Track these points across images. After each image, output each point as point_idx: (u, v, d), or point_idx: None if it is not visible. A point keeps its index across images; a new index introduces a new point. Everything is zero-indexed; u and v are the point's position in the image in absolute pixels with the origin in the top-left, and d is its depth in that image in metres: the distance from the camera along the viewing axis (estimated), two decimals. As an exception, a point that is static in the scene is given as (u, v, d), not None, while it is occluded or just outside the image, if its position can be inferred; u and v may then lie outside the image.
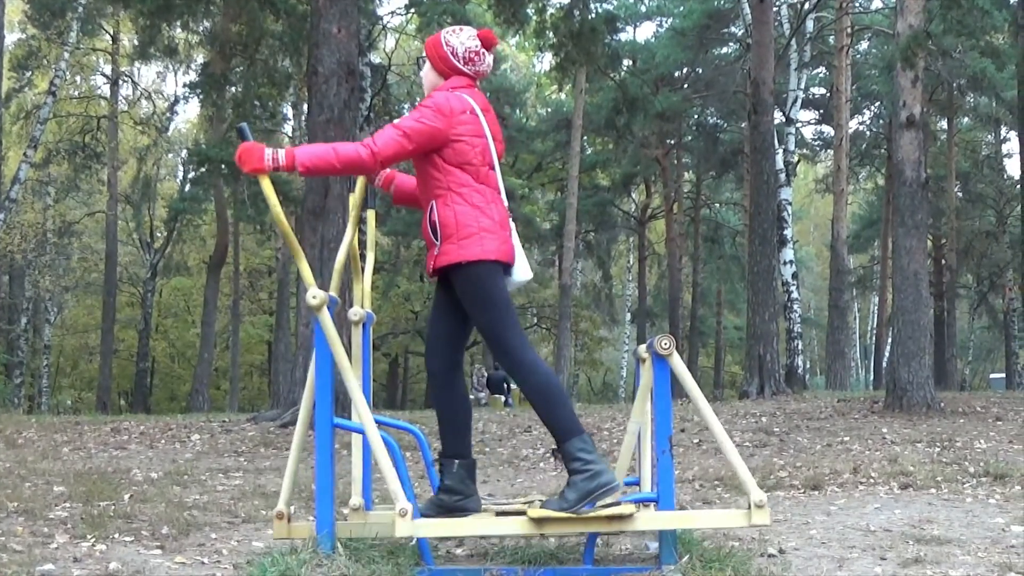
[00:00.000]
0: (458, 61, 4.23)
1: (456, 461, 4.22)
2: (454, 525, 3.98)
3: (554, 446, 4.22)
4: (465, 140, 4.11)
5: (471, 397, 24.15)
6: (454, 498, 4.18)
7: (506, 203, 4.26)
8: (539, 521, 3.82)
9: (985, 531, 5.15)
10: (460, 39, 4.24)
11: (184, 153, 36.74)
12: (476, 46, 4.25)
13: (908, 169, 13.00)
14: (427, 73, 4.30)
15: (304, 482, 6.96)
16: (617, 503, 3.86)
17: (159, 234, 37.14)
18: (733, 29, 30.85)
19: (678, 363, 3.92)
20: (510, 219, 4.26)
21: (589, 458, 3.89)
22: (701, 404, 3.95)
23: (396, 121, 4.05)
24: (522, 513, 4.06)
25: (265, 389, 39.04)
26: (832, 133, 28.61)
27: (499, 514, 4.05)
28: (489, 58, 4.32)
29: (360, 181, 4.46)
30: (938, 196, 31.00)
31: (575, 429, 3.97)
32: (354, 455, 4.44)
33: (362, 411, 3.85)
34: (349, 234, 4.42)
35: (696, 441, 10.17)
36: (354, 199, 4.49)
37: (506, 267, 4.16)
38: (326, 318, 3.91)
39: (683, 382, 3.92)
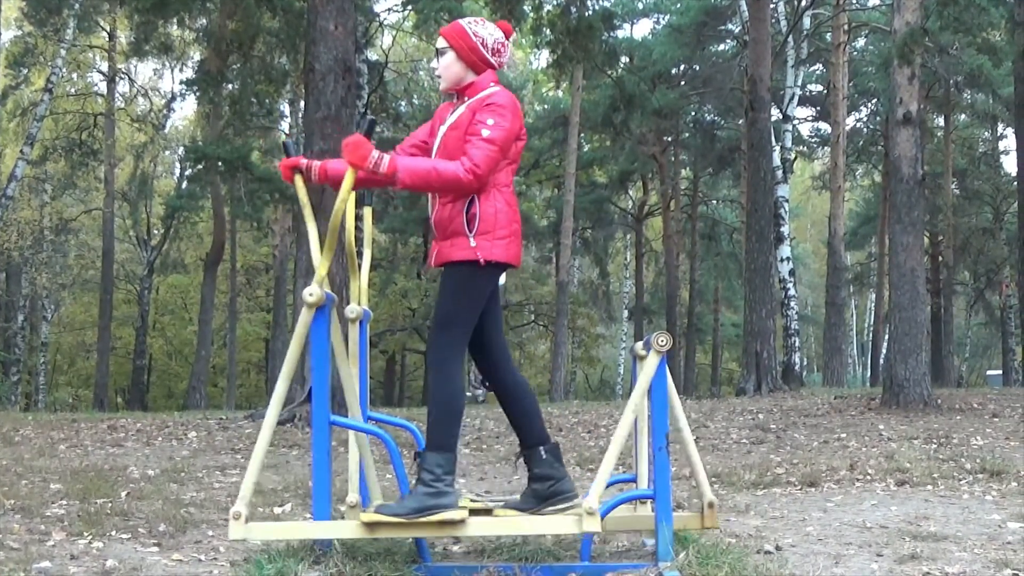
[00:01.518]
0: (487, 52, 4.15)
1: (541, 448, 4.19)
2: (285, 529, 3.98)
3: (518, 449, 4.22)
4: (523, 139, 4.13)
5: (468, 394, 24.22)
6: (547, 484, 4.14)
7: None
8: (372, 525, 3.82)
9: (981, 527, 5.16)
10: (487, 30, 4.17)
11: (181, 150, 36.73)
12: (501, 37, 4.20)
13: (905, 166, 13.01)
14: (451, 64, 4.15)
15: (301, 479, 6.97)
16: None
17: (156, 231, 37.09)
18: (730, 26, 30.85)
19: (650, 363, 3.91)
20: None
21: (443, 477, 3.89)
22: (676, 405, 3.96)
23: (485, 134, 3.94)
24: (488, 512, 4.08)
25: (262, 387, 38.99)
26: (829, 130, 28.62)
27: (471, 512, 4.04)
28: (510, 48, 4.31)
29: (298, 182, 4.24)
30: (935, 193, 31.02)
31: (448, 446, 3.97)
32: (351, 452, 4.44)
33: (273, 405, 3.85)
34: (312, 231, 4.27)
35: (693, 438, 10.17)
36: (300, 198, 4.30)
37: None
38: (306, 316, 3.87)
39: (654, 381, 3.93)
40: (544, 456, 4.16)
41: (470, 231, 4.00)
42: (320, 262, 3.91)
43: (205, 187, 26.26)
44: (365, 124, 3.95)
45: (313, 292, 3.83)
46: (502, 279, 4.28)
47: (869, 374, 38.10)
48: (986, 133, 36.48)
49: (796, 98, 26.09)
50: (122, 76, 33.31)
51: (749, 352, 17.35)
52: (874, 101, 33.62)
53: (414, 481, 4.00)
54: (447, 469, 3.92)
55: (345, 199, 3.83)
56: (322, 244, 3.97)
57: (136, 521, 5.31)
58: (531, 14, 18.30)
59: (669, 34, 31.08)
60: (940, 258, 33.03)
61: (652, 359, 3.90)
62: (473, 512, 4.05)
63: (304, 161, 4.18)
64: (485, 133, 3.94)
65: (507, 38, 4.24)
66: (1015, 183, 28.31)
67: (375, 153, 3.81)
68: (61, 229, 34.40)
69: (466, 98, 4.11)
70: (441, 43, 4.19)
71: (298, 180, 4.16)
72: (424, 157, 4.16)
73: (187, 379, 32.80)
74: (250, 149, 22.38)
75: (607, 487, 4.55)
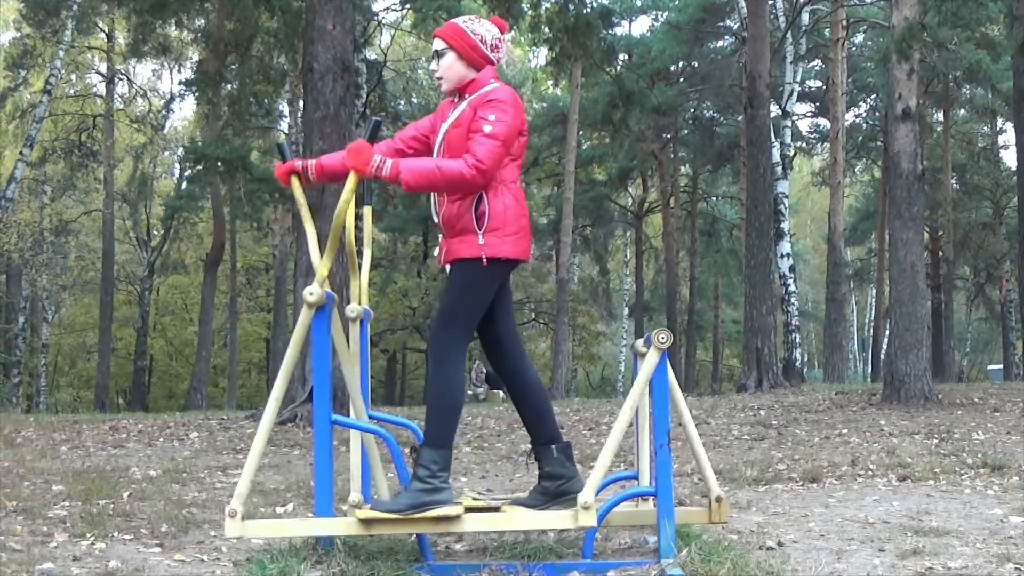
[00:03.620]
0: (487, 49, 4.16)
1: (553, 446, 4.19)
2: (281, 527, 3.97)
3: (529, 447, 4.23)
4: (525, 134, 4.13)
5: (469, 392, 24.23)
6: (557, 483, 4.15)
7: None
8: (368, 522, 3.82)
9: (983, 522, 5.16)
10: (484, 27, 4.18)
11: (180, 151, 36.73)
12: (498, 33, 4.21)
13: (904, 161, 13.01)
14: (452, 65, 4.14)
15: (303, 479, 6.97)
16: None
17: (156, 232, 37.11)
18: (729, 23, 30.86)
19: (651, 359, 3.91)
20: None
21: (439, 473, 3.89)
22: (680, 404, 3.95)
23: (487, 130, 3.94)
24: (497, 510, 4.08)
25: (263, 386, 38.99)
26: (828, 126, 28.63)
27: (469, 509, 4.04)
28: (507, 43, 4.31)
29: (295, 185, 4.25)
30: (935, 188, 31.02)
31: (445, 442, 3.96)
32: (352, 451, 4.44)
33: (271, 404, 3.83)
34: (310, 233, 4.26)
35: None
36: (297, 200, 4.31)
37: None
38: (305, 316, 3.88)
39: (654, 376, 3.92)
40: (555, 455, 4.17)
41: (479, 228, 4.00)
42: (321, 263, 3.92)
43: (205, 188, 26.28)
44: (370, 126, 3.96)
45: (314, 292, 3.83)
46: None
47: (870, 370, 38.11)
48: (985, 128, 36.48)
49: (795, 94, 26.10)
50: (121, 77, 33.33)
51: (750, 348, 17.35)
52: (873, 96, 33.61)
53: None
54: (442, 465, 3.92)
55: (349, 200, 3.84)
56: (322, 245, 3.97)
57: (138, 522, 5.31)
58: (529, 12, 18.27)
59: (667, 31, 31.06)
60: (940, 253, 33.03)
61: (653, 356, 3.90)
62: (474, 510, 4.05)
63: (299, 163, 4.18)
64: (487, 129, 3.94)
65: (503, 33, 4.25)
66: (1014, 178, 28.31)
67: (377, 157, 3.84)
68: (61, 230, 34.42)
69: (467, 95, 4.11)
70: (439, 44, 4.18)
71: (295, 182, 4.16)
72: (424, 156, 4.16)
73: (188, 379, 32.82)
74: (249, 149, 22.39)
75: (608, 484, 4.57)
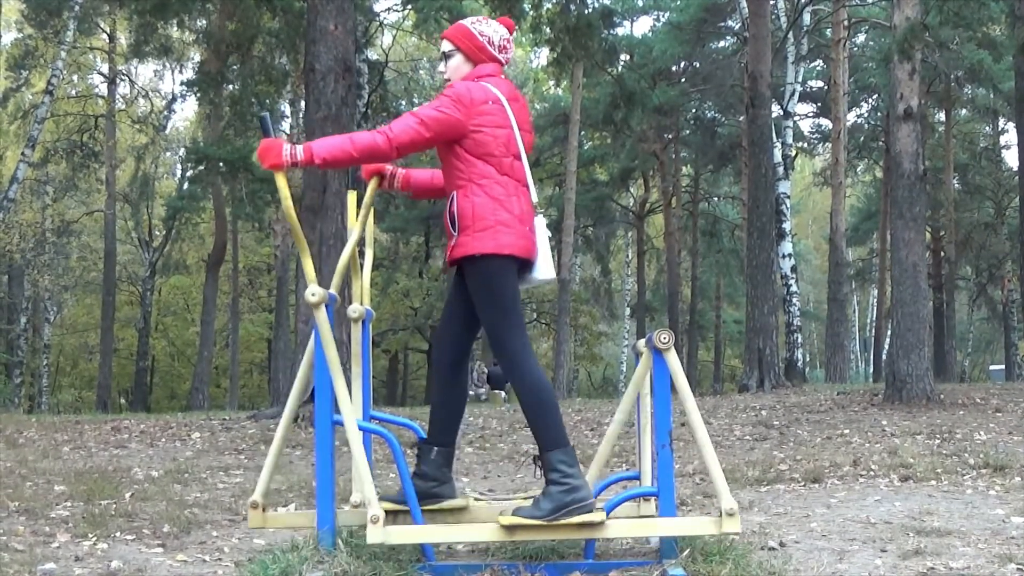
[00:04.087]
0: (494, 50, 4.16)
1: (436, 448, 4.21)
2: (425, 532, 3.95)
3: (536, 452, 4.22)
4: (486, 131, 4.01)
5: (471, 393, 24.23)
6: (429, 484, 4.16)
7: (534, 197, 4.17)
8: (511, 528, 3.81)
9: (985, 522, 5.16)
10: (492, 28, 4.17)
11: (182, 151, 36.74)
12: (506, 34, 4.20)
13: (906, 161, 13.00)
14: (460, 66, 4.15)
15: (305, 479, 6.97)
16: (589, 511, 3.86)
17: (158, 232, 37.14)
18: (730, 23, 30.84)
19: (673, 360, 3.91)
20: (537, 214, 4.15)
21: (569, 471, 3.87)
22: (689, 405, 3.94)
23: (415, 109, 3.99)
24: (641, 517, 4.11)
25: (265, 387, 39.04)
26: (830, 126, 28.61)
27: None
28: (513, 43, 4.31)
29: (372, 184, 4.35)
30: (936, 188, 31.02)
31: (560, 441, 3.95)
32: (352, 451, 4.44)
33: (345, 412, 3.83)
34: (355, 236, 4.34)
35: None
36: (364, 200, 4.41)
37: (524, 264, 4.08)
38: (322, 316, 3.89)
39: (675, 379, 3.91)
40: (434, 457, 4.20)
41: (454, 230, 4.02)
42: (304, 262, 4.00)
43: (206, 188, 26.30)
44: (262, 125, 3.97)
45: (315, 292, 3.84)
46: (542, 272, 4.12)
47: (871, 370, 38.09)
48: (987, 128, 36.46)
49: (796, 94, 26.09)
50: (122, 78, 33.36)
51: (751, 349, 17.35)
52: (875, 97, 33.60)
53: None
54: (570, 462, 3.90)
55: (288, 198, 3.89)
56: (339, 248, 4.00)
57: (140, 522, 5.31)
58: (531, 12, 18.27)
59: (669, 31, 31.06)
60: (942, 253, 33.01)
61: (654, 356, 3.90)
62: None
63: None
64: (417, 108, 3.99)
65: (510, 33, 4.24)
66: (1016, 178, 28.32)
67: (286, 147, 3.83)
68: (63, 231, 34.45)
69: None
70: (447, 46, 4.18)
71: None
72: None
73: (190, 380, 32.85)
74: (251, 149, 22.36)
75: (610, 484, 4.57)
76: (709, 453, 3.89)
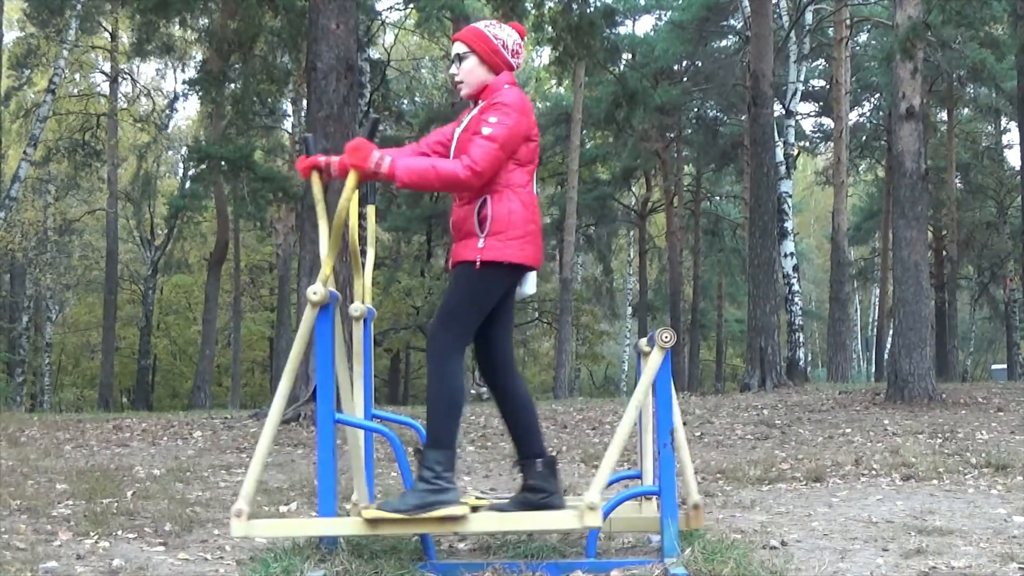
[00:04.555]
0: (508, 54, 4.16)
1: (538, 460, 4.18)
2: (290, 526, 3.99)
3: (520, 458, 4.21)
4: (534, 139, 4.09)
5: (472, 392, 24.24)
6: (539, 496, 4.12)
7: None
8: (373, 522, 3.82)
9: (987, 522, 5.16)
10: (506, 33, 4.18)
11: (184, 150, 36.75)
12: (519, 39, 4.21)
13: (908, 161, 13.00)
14: (474, 68, 4.14)
15: (306, 478, 6.98)
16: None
17: (159, 231, 37.14)
18: (732, 22, 30.81)
19: (654, 359, 3.91)
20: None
21: (444, 474, 3.88)
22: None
23: (486, 132, 3.93)
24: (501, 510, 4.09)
25: (267, 385, 39.03)
26: (832, 125, 28.58)
27: (474, 509, 4.05)
28: (523, 50, 4.31)
29: (315, 180, 4.13)
30: (938, 187, 31.00)
31: (447, 442, 3.96)
32: (352, 451, 4.44)
33: (277, 402, 3.82)
34: (324, 230, 4.25)
35: (698, 434, 10.19)
36: (315, 196, 4.23)
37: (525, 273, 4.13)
38: (310, 315, 3.88)
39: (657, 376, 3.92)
40: (540, 469, 4.17)
41: (481, 232, 3.98)
42: (324, 261, 3.93)
43: (208, 187, 26.28)
44: (368, 124, 3.98)
45: (317, 291, 3.83)
46: (531, 286, 4.19)
47: (873, 369, 38.07)
48: (989, 127, 36.43)
49: (799, 93, 26.06)
50: (124, 76, 33.37)
51: (753, 348, 17.34)
52: (877, 96, 33.56)
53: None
54: (447, 466, 3.92)
55: (349, 198, 3.84)
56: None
57: (142, 520, 5.32)
58: (533, 11, 18.26)
59: (671, 30, 31.03)
60: (944, 252, 32.99)
61: (656, 355, 3.90)
62: (475, 509, 4.06)
63: (323, 159, 4.13)
64: (486, 131, 3.94)
65: (521, 39, 4.25)
66: (1018, 177, 28.31)
67: (376, 154, 3.83)
68: (65, 230, 34.47)
69: (481, 101, 4.11)
70: (461, 48, 4.17)
71: (315, 178, 4.12)
72: (428, 157, 4.15)
73: (191, 379, 32.84)
74: (253, 148, 22.42)
75: (612, 484, 4.57)
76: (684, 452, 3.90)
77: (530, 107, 4.09)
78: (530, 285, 4.19)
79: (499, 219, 3.98)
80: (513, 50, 4.19)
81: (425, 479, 3.88)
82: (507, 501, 4.22)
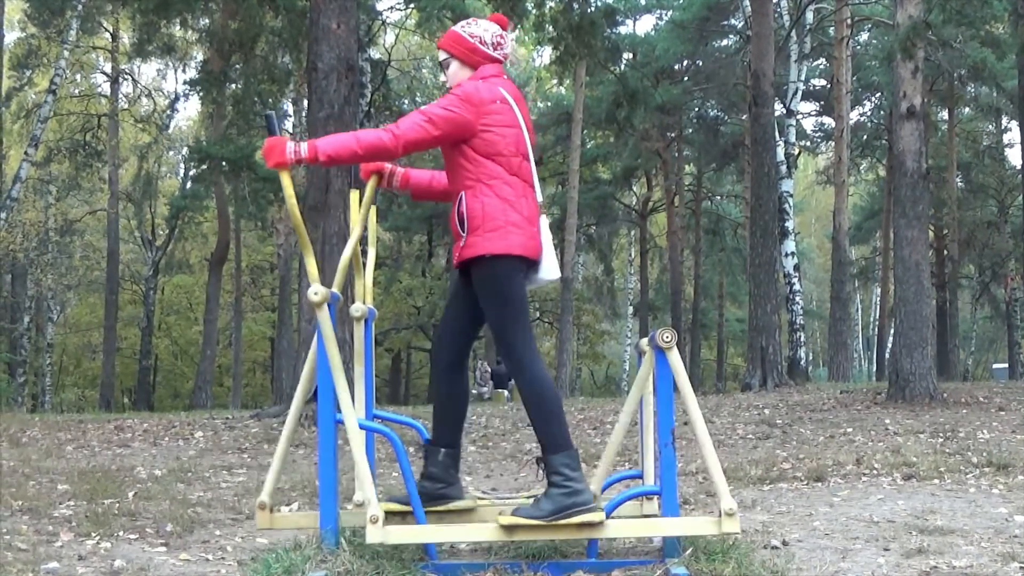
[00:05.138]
0: (488, 48, 4.16)
1: (443, 449, 4.22)
2: (425, 532, 3.96)
3: (539, 455, 4.22)
4: (495, 130, 4.02)
5: (474, 392, 24.23)
6: (437, 485, 4.17)
7: (540, 197, 4.19)
8: (510, 528, 3.82)
9: (988, 521, 5.16)
10: (482, 28, 4.18)
11: (185, 150, 36.76)
12: (498, 30, 4.20)
13: (909, 160, 12.99)
14: (458, 72, 4.17)
15: (308, 478, 6.97)
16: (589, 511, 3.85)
17: (160, 232, 37.16)
18: (733, 21, 30.83)
19: (675, 359, 3.92)
20: (542, 214, 4.17)
21: (572, 475, 3.88)
22: (691, 404, 3.95)
23: (423, 107, 3.98)
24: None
25: (268, 386, 39.05)
26: (833, 125, 28.58)
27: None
28: (510, 38, 4.30)
29: (371, 183, 4.33)
30: (939, 187, 30.99)
31: (564, 444, 3.95)
32: (355, 452, 4.44)
33: (346, 412, 3.84)
34: (356, 234, 4.33)
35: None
36: (364, 199, 4.39)
37: (531, 264, 4.09)
38: (324, 316, 3.90)
39: (677, 378, 3.92)
40: (441, 458, 4.21)
41: (463, 231, 4.01)
42: (308, 262, 4.00)
43: (209, 187, 26.32)
44: (267, 123, 3.97)
45: (317, 291, 3.84)
46: (548, 271, 4.13)
47: (875, 368, 38.08)
48: (990, 126, 36.42)
49: (799, 93, 26.06)
50: (125, 77, 33.39)
51: (754, 347, 17.33)
52: (877, 95, 33.56)
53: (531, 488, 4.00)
54: (573, 465, 3.91)
55: (292, 196, 3.88)
56: (340, 248, 4.01)
57: (143, 521, 5.32)
58: (533, 11, 18.25)
59: (672, 30, 31.04)
60: (945, 252, 32.99)
61: (657, 355, 3.91)
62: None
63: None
64: (425, 107, 3.98)
65: (504, 29, 4.23)
66: (1019, 176, 28.30)
67: (290, 145, 3.83)
68: (66, 230, 34.48)
69: None
70: (442, 55, 4.21)
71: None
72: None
73: (193, 379, 32.85)
74: (254, 149, 22.39)
75: (613, 484, 4.57)
76: (710, 453, 3.90)
77: (487, 99, 4.03)
78: (546, 271, 4.13)
79: (474, 215, 4.00)
80: (493, 43, 4.17)
81: (556, 484, 3.86)
82: (532, 504, 4.21)
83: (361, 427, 4.18)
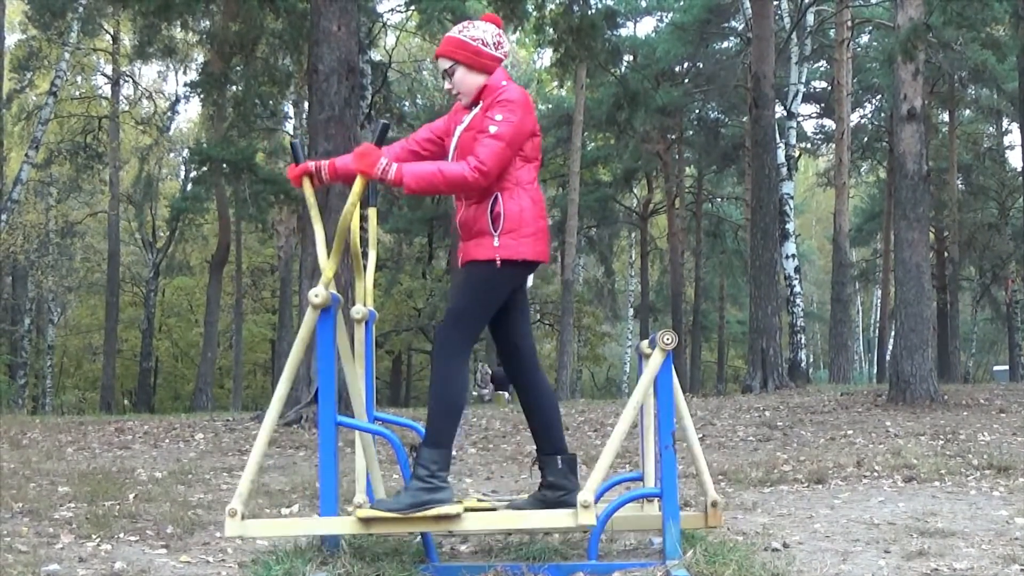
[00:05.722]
0: (491, 49, 4.13)
1: (558, 457, 4.19)
2: (280, 526, 3.99)
3: (540, 454, 4.21)
4: (538, 135, 4.10)
5: (474, 394, 24.24)
6: (558, 493, 4.14)
7: None
8: (367, 521, 3.82)
9: (989, 523, 5.15)
10: (481, 29, 4.15)
11: (185, 152, 36.79)
12: (496, 30, 4.18)
13: (909, 162, 12.99)
14: (464, 78, 4.11)
15: (308, 480, 6.97)
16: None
17: (161, 233, 37.18)
18: (733, 23, 30.83)
19: (655, 360, 3.92)
20: None
21: (438, 473, 3.88)
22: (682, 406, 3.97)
23: (492, 130, 3.92)
24: (493, 510, 4.10)
25: (268, 388, 39.03)
26: (833, 127, 28.62)
27: (470, 509, 4.04)
28: (506, 37, 4.29)
29: (306, 185, 4.22)
30: (940, 189, 31.00)
31: (445, 442, 3.95)
32: (357, 452, 4.45)
33: (275, 404, 3.83)
34: (319, 232, 4.23)
35: (700, 436, 10.17)
36: (307, 202, 4.25)
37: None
38: (311, 317, 3.88)
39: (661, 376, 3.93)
40: (560, 466, 4.17)
41: (495, 230, 3.98)
42: (328, 264, 3.93)
43: (210, 189, 26.31)
44: (377, 129, 3.97)
45: (319, 293, 3.83)
46: (530, 280, 4.25)
47: (875, 370, 38.07)
48: (991, 128, 36.44)
49: (800, 95, 26.08)
50: (126, 79, 33.42)
51: (755, 349, 17.34)
52: (878, 97, 33.58)
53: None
54: (442, 465, 3.92)
55: (355, 203, 3.85)
56: (329, 246, 3.98)
57: (144, 523, 5.32)
58: (534, 13, 18.27)
59: (672, 32, 31.04)
60: (946, 254, 32.99)
61: (657, 357, 3.90)
62: (474, 510, 4.06)
63: (312, 164, 4.17)
64: (492, 130, 3.93)
65: (499, 28, 4.23)
66: (1020, 178, 28.30)
67: (383, 160, 3.83)
68: (67, 232, 34.50)
69: (481, 101, 4.10)
70: (445, 63, 4.15)
71: (306, 184, 4.16)
72: (439, 158, 4.15)
73: (193, 381, 32.85)
74: (254, 150, 22.43)
75: (613, 486, 4.56)
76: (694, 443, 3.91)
77: (532, 102, 4.10)
78: (528, 277, 4.23)
79: (511, 216, 3.99)
80: (494, 43, 4.16)
81: (420, 477, 3.87)
82: (525, 500, 4.22)
83: (361, 429, 4.19)
